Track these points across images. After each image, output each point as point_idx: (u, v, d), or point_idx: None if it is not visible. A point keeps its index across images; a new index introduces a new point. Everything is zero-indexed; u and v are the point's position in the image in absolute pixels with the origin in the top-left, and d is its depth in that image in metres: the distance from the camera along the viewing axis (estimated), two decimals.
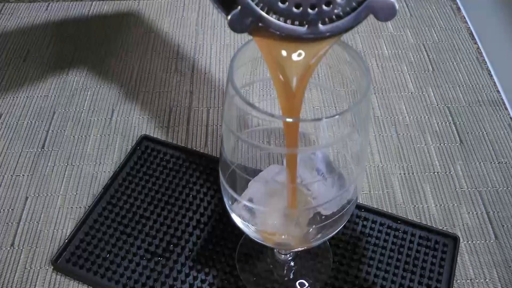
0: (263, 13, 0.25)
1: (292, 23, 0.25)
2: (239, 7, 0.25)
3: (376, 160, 0.47)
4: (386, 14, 0.25)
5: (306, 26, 0.25)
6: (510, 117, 0.51)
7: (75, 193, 0.44)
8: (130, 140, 0.49)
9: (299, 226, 0.32)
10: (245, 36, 0.28)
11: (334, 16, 0.25)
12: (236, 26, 0.25)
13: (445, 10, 0.64)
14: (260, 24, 0.25)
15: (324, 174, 0.33)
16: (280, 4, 0.25)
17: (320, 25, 0.25)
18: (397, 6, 0.24)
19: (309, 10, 0.25)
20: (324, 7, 0.25)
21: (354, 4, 0.25)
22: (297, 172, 0.31)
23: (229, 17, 0.25)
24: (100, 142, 0.48)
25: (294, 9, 0.25)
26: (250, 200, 0.32)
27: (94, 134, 0.49)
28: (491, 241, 0.41)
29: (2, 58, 0.57)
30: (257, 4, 0.25)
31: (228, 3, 0.25)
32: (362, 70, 0.28)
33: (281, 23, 0.25)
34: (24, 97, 0.53)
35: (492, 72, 0.56)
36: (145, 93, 0.53)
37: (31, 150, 0.48)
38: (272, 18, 0.25)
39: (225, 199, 0.33)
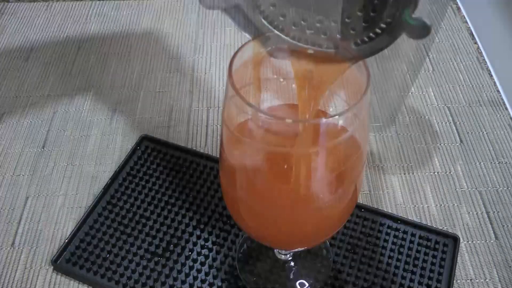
0: (293, 41, 0.27)
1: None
2: (271, 39, 0.28)
3: (376, 160, 0.47)
4: (418, 34, 0.25)
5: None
6: (510, 117, 0.51)
7: (75, 193, 0.44)
8: (130, 140, 0.49)
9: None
10: (245, 37, 0.28)
11: (365, 38, 0.26)
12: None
13: None
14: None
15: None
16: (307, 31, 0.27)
17: (353, 46, 0.26)
18: (429, 23, 0.24)
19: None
20: (351, 31, 0.26)
21: (382, 25, 0.25)
22: None
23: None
24: (101, 142, 0.48)
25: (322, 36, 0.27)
26: None
27: (95, 134, 0.49)
28: (491, 241, 0.41)
29: (3, 58, 0.57)
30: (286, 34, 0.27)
31: None
32: (362, 70, 0.28)
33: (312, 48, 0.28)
34: (24, 96, 0.53)
35: (492, 72, 0.56)
36: (145, 93, 0.53)
37: (32, 150, 0.48)
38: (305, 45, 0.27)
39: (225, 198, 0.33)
